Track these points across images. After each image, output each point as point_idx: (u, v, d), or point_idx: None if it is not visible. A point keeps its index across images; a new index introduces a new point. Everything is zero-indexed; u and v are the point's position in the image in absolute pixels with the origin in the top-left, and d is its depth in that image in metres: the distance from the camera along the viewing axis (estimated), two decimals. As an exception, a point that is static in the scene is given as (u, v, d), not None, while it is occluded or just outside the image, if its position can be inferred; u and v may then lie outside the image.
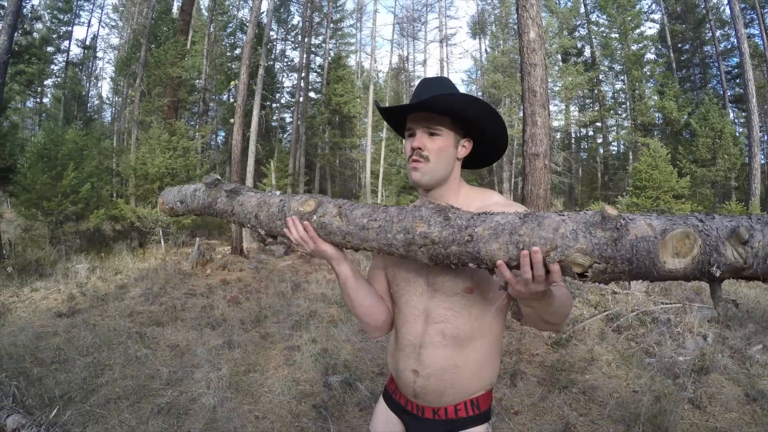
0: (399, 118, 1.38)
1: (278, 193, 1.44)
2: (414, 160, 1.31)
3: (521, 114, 5.88)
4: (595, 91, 23.66)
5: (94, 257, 9.65)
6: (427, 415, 1.38)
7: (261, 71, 15.05)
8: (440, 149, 1.29)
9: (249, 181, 14.10)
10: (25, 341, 4.96)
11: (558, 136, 25.80)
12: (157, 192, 11.58)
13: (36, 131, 24.72)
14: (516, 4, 5.84)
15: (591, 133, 27.59)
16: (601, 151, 24.23)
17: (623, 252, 0.89)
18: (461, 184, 1.39)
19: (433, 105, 1.26)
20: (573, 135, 28.66)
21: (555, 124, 24.19)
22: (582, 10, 23.47)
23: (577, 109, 26.12)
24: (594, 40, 23.10)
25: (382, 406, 1.55)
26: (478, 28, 27.10)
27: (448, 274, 1.28)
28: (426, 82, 1.35)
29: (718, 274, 0.85)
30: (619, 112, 23.74)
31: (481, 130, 1.33)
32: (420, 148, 1.29)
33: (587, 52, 24.33)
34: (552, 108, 23.90)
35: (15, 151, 10.67)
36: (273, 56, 26.49)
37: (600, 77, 23.30)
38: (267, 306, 6.73)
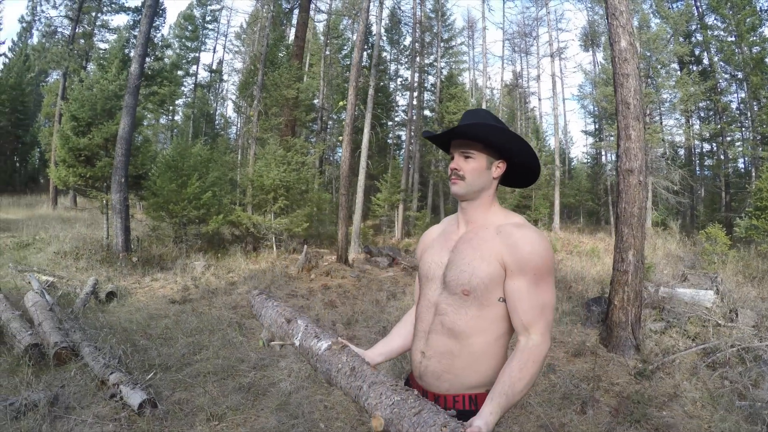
0: (446, 145, 1.65)
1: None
2: (453, 178, 1.56)
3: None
4: (715, 102, 21.09)
5: (210, 257, 10.61)
6: (429, 399, 1.50)
7: (371, 91, 15.65)
8: (473, 169, 1.54)
9: (360, 195, 14.59)
10: (139, 319, 5.61)
11: (681, 153, 23.36)
12: (272, 201, 12.42)
13: (168, 144, 27.97)
14: (605, 13, 5.65)
15: (714, 148, 24.53)
16: (723, 168, 21.37)
17: None
18: (493, 202, 1.60)
19: (460, 132, 1.52)
20: (695, 151, 25.74)
21: (677, 139, 22.00)
22: (695, 12, 21.06)
23: (698, 122, 23.49)
24: (711, 45, 20.69)
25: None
26: (588, 40, 25.65)
27: (454, 276, 1.50)
28: (466, 114, 1.60)
29: None
30: (746, 124, 20.84)
31: (510, 154, 1.56)
32: (456, 169, 1.55)
33: (705, 59, 21.80)
34: (671, 122, 21.81)
35: (147, 161, 12.09)
36: (388, 76, 27.31)
37: (719, 86, 20.73)
38: (360, 311, 6.89)
